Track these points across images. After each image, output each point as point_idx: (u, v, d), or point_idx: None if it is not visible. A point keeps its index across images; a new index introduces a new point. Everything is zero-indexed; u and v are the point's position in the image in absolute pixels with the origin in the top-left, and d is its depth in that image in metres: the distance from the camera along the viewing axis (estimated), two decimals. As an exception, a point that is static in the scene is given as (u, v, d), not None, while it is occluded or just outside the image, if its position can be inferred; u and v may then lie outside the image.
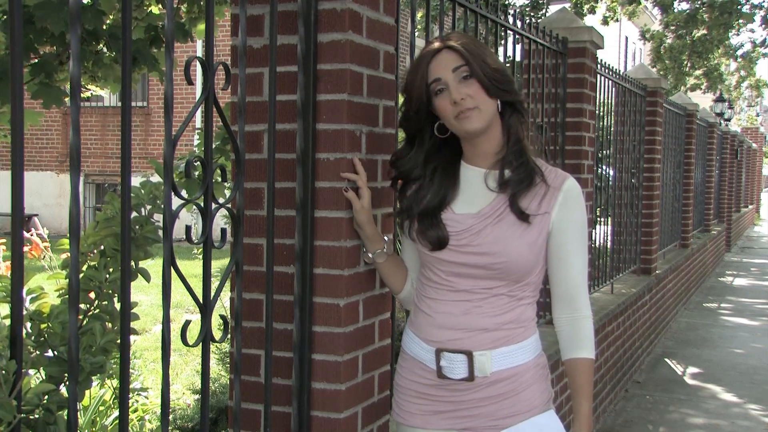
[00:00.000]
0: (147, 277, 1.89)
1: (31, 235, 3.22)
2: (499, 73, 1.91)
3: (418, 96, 1.92)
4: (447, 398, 1.98)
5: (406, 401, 2.05)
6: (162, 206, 1.95)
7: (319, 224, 2.03)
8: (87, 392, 3.81)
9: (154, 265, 1.85)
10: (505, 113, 1.95)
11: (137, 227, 1.90)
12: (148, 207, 1.93)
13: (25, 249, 2.73)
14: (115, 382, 3.62)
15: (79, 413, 2.96)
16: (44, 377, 1.82)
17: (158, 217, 2.07)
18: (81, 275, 1.87)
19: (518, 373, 1.94)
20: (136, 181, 1.54)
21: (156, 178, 2.16)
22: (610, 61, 6.46)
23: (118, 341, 1.89)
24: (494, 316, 1.93)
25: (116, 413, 3.75)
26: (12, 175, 1.30)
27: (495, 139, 1.95)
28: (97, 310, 1.90)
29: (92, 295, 1.91)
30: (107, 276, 1.88)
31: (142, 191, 1.90)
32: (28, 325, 1.83)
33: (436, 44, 1.92)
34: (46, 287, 1.96)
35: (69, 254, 1.95)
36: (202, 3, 4.02)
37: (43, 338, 1.82)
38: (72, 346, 1.39)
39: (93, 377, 1.87)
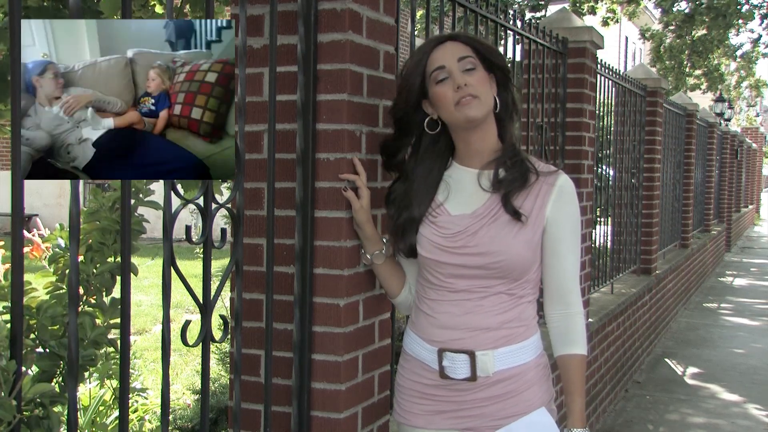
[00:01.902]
0: (134, 271, 1.89)
1: (33, 235, 3.21)
2: (504, 64, 1.98)
3: (412, 82, 1.96)
4: (449, 398, 1.98)
5: (408, 401, 2.05)
6: (145, 199, 1.95)
7: (319, 224, 2.03)
8: (87, 392, 3.81)
9: (154, 265, 1.85)
10: (500, 115, 1.98)
11: None
12: (132, 201, 1.93)
13: (27, 249, 2.73)
14: (115, 382, 3.62)
15: (79, 413, 2.96)
16: (34, 373, 1.82)
17: (150, 213, 2.06)
18: (68, 270, 1.87)
19: (520, 372, 1.95)
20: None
21: None
22: (610, 61, 6.46)
23: (110, 336, 1.89)
24: (496, 315, 1.93)
25: (116, 413, 3.75)
26: (12, 175, 1.30)
27: (489, 138, 1.98)
28: (86, 306, 1.90)
29: (81, 289, 1.91)
30: (94, 270, 1.89)
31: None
32: (23, 322, 1.83)
33: (439, 36, 1.97)
34: (35, 284, 1.96)
35: (57, 250, 1.96)
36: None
37: (33, 333, 1.82)
38: (72, 347, 1.39)
39: (86, 372, 1.87)
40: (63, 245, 1.93)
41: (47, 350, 1.81)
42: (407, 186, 2.02)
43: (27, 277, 1.81)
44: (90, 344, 1.82)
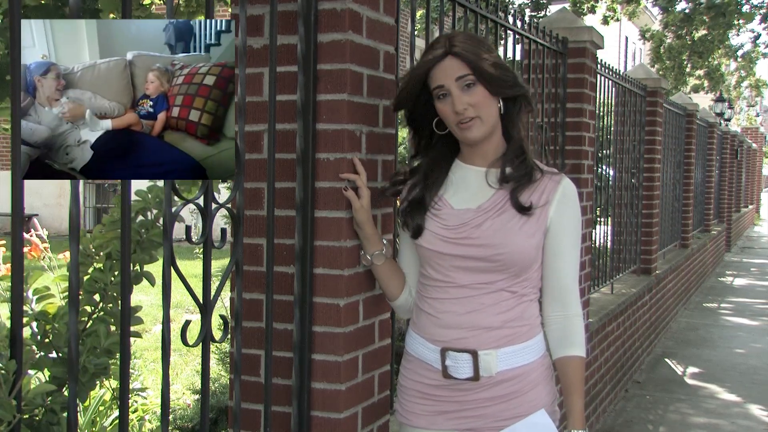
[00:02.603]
0: (152, 281, 1.89)
1: (31, 236, 3.21)
2: (503, 71, 1.93)
3: (411, 88, 1.96)
4: (452, 398, 1.98)
5: (410, 402, 2.05)
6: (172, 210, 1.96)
7: (319, 224, 2.03)
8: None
9: (154, 265, 1.85)
10: (508, 112, 1.97)
11: (143, 231, 1.90)
12: (155, 211, 1.92)
13: (25, 250, 2.73)
14: (115, 382, 3.62)
15: (79, 413, 2.96)
16: (48, 378, 1.82)
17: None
18: (86, 277, 1.87)
19: (524, 373, 1.95)
20: (135, 182, 1.54)
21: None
22: (610, 61, 6.46)
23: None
24: (498, 313, 1.93)
25: (116, 413, 3.75)
26: (12, 175, 1.30)
27: (495, 142, 1.99)
28: (102, 313, 1.90)
29: (97, 297, 1.91)
30: (112, 278, 1.88)
31: (149, 195, 1.90)
32: (34, 325, 1.83)
33: (440, 50, 1.92)
34: (53, 288, 1.96)
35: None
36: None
37: (48, 339, 1.82)
38: (72, 347, 1.39)
39: (97, 379, 1.87)
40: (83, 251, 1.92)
41: (60, 355, 1.81)
42: (422, 167, 2.04)
43: (45, 280, 1.81)
44: (103, 352, 1.82)
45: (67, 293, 1.91)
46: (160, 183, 2.14)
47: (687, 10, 17.39)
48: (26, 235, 2.75)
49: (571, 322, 1.98)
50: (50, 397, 1.68)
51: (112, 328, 1.88)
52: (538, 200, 1.94)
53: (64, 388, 1.81)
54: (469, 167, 2.02)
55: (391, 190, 2.09)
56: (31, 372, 1.91)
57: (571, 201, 1.99)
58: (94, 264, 1.91)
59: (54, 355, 1.82)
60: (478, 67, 1.90)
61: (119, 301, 1.90)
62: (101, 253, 1.90)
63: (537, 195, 1.95)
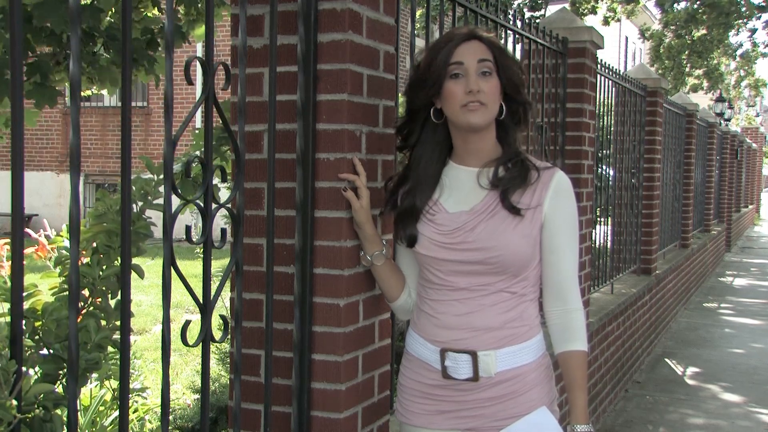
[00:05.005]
0: (140, 274, 1.88)
1: (39, 235, 3.21)
2: (518, 71, 1.98)
3: (436, 75, 1.92)
4: (451, 398, 1.98)
5: (410, 401, 2.05)
6: (153, 202, 1.95)
7: (319, 224, 2.03)
8: (87, 392, 3.81)
9: (154, 265, 1.85)
10: (506, 119, 1.98)
11: None
12: (140, 203, 1.92)
13: (32, 249, 2.72)
14: (115, 383, 3.62)
15: (78, 413, 2.96)
16: (39, 375, 1.82)
17: (150, 213, 2.06)
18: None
19: (523, 373, 1.95)
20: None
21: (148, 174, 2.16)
22: (610, 61, 6.46)
23: (114, 337, 1.89)
24: (498, 314, 1.93)
25: (116, 413, 3.75)
26: (12, 175, 1.30)
27: (488, 141, 1.99)
28: (92, 307, 1.89)
29: (86, 292, 1.91)
30: (100, 273, 1.88)
31: (133, 187, 1.90)
32: (23, 322, 1.82)
33: (466, 30, 1.96)
34: (40, 285, 1.96)
35: (63, 252, 1.95)
36: (200, 6, 4.01)
37: (37, 336, 1.82)
38: (72, 347, 1.39)
39: (88, 374, 1.87)
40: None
41: (51, 352, 1.81)
42: (411, 173, 2.02)
43: (32, 278, 1.80)
44: (94, 348, 1.81)
45: (54, 290, 1.91)
46: (144, 175, 2.14)
47: (689, 11, 17.38)
48: (34, 235, 2.74)
49: (571, 317, 1.98)
50: (42, 395, 1.68)
51: (102, 322, 1.88)
52: (531, 199, 1.93)
53: (56, 385, 1.81)
54: (462, 168, 2.01)
55: (390, 204, 2.08)
56: (30, 372, 1.91)
57: (565, 194, 1.97)
58: (81, 259, 1.91)
59: (45, 352, 1.82)
60: (499, 57, 1.94)
61: (108, 296, 1.90)
62: (88, 248, 1.90)
63: (530, 193, 1.94)
